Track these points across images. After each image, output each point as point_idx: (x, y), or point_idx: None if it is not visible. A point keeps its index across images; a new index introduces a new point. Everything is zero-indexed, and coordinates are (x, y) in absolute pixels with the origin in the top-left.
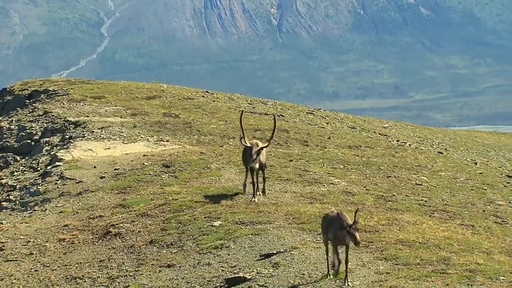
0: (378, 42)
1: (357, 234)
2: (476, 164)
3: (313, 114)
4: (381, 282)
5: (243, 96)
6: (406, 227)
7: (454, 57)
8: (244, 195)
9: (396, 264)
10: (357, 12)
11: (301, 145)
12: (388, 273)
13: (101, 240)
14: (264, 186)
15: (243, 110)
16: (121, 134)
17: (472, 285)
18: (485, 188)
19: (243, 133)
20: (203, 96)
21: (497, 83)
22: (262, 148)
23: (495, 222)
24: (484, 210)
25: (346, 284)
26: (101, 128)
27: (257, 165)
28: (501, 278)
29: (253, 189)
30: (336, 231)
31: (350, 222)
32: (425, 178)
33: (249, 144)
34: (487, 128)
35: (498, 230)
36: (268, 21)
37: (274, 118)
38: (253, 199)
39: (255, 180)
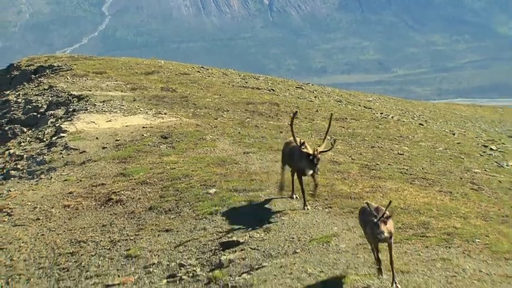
0: (363, 21)
1: (383, 227)
2: (454, 134)
3: (302, 88)
4: (365, 245)
5: (236, 71)
6: (388, 193)
7: (434, 35)
8: (300, 204)
9: None
10: None
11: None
12: (335, 233)
13: (103, 207)
14: (315, 190)
15: (296, 111)
16: (121, 107)
17: (449, 248)
18: (462, 157)
19: (294, 135)
20: (198, 71)
21: (474, 58)
22: (322, 152)
23: (471, 188)
24: (461, 178)
25: (394, 286)
26: (103, 101)
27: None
28: (477, 240)
29: (304, 197)
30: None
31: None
32: (406, 148)
33: (310, 151)
34: (465, 101)
35: (474, 196)
36: (260, 0)
37: (330, 118)
38: (305, 207)
39: (304, 187)
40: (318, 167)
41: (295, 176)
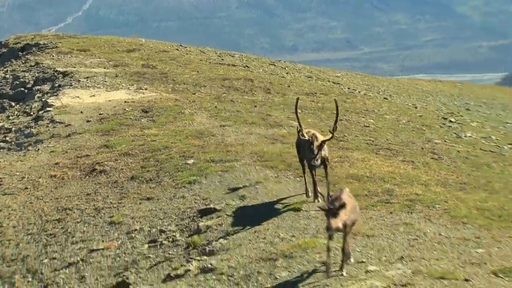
0: (332, 2)
1: (331, 219)
2: (416, 108)
3: (275, 65)
4: None
5: (213, 49)
6: (355, 163)
7: (397, 15)
8: (306, 197)
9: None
10: None
11: (264, 92)
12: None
13: (87, 177)
14: (328, 189)
15: (298, 98)
16: (104, 83)
17: (412, 213)
18: (424, 128)
19: (300, 123)
20: (177, 49)
21: (434, 37)
22: (325, 142)
23: (432, 158)
24: (422, 148)
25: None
26: (87, 77)
27: (319, 162)
28: (437, 206)
29: (314, 190)
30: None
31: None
32: (372, 121)
33: (306, 137)
34: (426, 76)
35: (435, 165)
36: None
37: (336, 104)
38: (316, 201)
39: (315, 179)
40: (318, 157)
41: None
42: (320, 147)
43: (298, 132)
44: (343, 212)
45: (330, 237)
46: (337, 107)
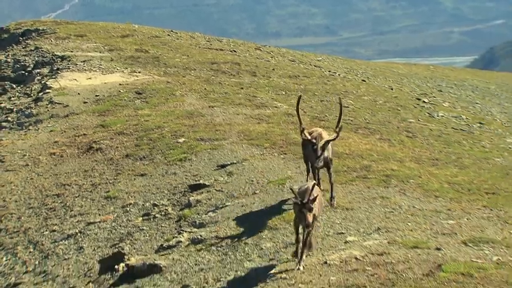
0: None
1: (308, 215)
2: (392, 89)
3: (260, 50)
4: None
5: (202, 35)
6: (335, 141)
7: (374, 2)
8: None
9: None
10: None
11: (250, 75)
12: (321, 178)
13: (85, 154)
14: (331, 191)
15: (300, 95)
16: (100, 66)
17: (388, 187)
18: (399, 109)
19: (301, 122)
20: (169, 35)
21: (409, 23)
22: (328, 142)
23: (407, 136)
24: (398, 127)
25: (297, 267)
26: (83, 61)
27: (322, 163)
28: (411, 181)
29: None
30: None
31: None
32: (351, 101)
33: (308, 137)
34: (401, 60)
35: (409, 143)
36: None
37: (340, 103)
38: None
39: (320, 180)
40: (321, 158)
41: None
42: (323, 147)
43: (301, 132)
44: (316, 206)
45: (308, 231)
46: (341, 105)
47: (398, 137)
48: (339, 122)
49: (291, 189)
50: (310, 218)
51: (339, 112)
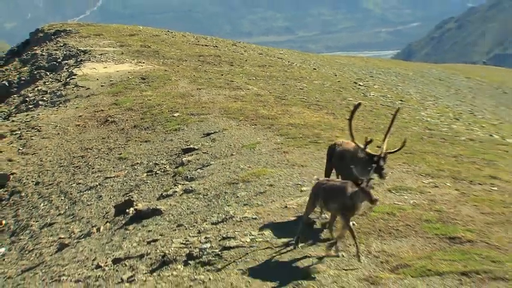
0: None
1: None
2: (336, 75)
3: (236, 45)
4: (278, 149)
5: (192, 34)
6: (293, 115)
7: (322, 8)
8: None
9: (287, 138)
10: None
11: (228, 65)
12: (282, 143)
13: (102, 125)
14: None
15: (359, 103)
16: (113, 58)
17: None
18: (341, 90)
19: (353, 134)
20: (166, 34)
21: (348, 25)
22: (390, 153)
23: (347, 111)
24: (340, 104)
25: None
26: (100, 54)
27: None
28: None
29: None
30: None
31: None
32: (305, 85)
33: (370, 151)
34: (343, 53)
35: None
36: None
37: (396, 112)
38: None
39: None
40: (385, 172)
41: None
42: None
43: (365, 145)
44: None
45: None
46: (394, 117)
47: (340, 111)
48: (388, 132)
49: (360, 188)
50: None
51: (390, 123)
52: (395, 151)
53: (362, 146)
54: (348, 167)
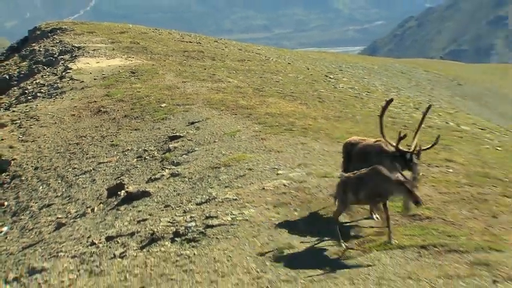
0: (262, 4)
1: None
2: (308, 69)
3: (217, 42)
4: (256, 136)
5: (177, 31)
6: (270, 105)
7: (297, 9)
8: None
9: (265, 126)
10: None
11: (211, 60)
12: (260, 131)
13: (95, 115)
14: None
15: (391, 99)
16: (105, 53)
17: (306, 136)
18: (313, 82)
19: (383, 131)
20: (153, 32)
21: (320, 23)
22: (423, 150)
23: (318, 101)
24: (312, 95)
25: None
26: (93, 50)
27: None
28: (321, 131)
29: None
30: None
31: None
32: (281, 78)
33: (402, 148)
34: (315, 49)
35: (320, 106)
36: None
37: (427, 109)
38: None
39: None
40: (419, 169)
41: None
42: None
43: (398, 142)
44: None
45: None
46: (424, 114)
47: (312, 102)
48: (419, 128)
49: (406, 187)
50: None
51: (421, 119)
52: (429, 148)
53: (394, 143)
54: (373, 164)
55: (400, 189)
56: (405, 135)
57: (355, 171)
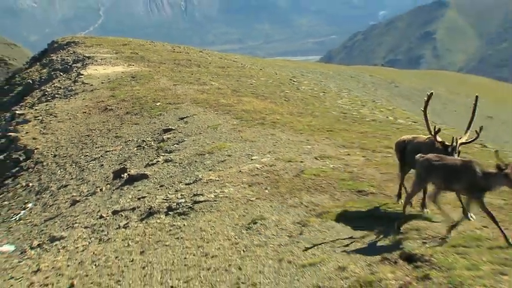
0: (231, 18)
1: None
2: (276, 74)
3: (202, 52)
4: (234, 128)
5: (169, 43)
6: (245, 103)
7: (266, 25)
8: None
9: (241, 121)
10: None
11: (197, 67)
12: (237, 124)
13: (103, 112)
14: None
15: (432, 93)
16: (110, 62)
17: (274, 128)
18: (280, 85)
19: (429, 125)
20: (150, 44)
21: (283, 37)
22: (462, 144)
23: (285, 100)
24: (280, 95)
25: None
26: (101, 59)
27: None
28: (287, 124)
29: (423, 201)
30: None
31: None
32: (254, 81)
33: (444, 141)
34: (281, 58)
35: (286, 104)
36: (179, 7)
37: (476, 101)
38: (399, 202)
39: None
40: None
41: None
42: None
43: (435, 134)
44: None
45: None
46: (475, 106)
47: (280, 100)
48: (471, 121)
49: (505, 173)
50: None
51: (472, 113)
52: (470, 142)
53: (435, 135)
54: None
55: (499, 179)
56: (439, 129)
57: (440, 156)
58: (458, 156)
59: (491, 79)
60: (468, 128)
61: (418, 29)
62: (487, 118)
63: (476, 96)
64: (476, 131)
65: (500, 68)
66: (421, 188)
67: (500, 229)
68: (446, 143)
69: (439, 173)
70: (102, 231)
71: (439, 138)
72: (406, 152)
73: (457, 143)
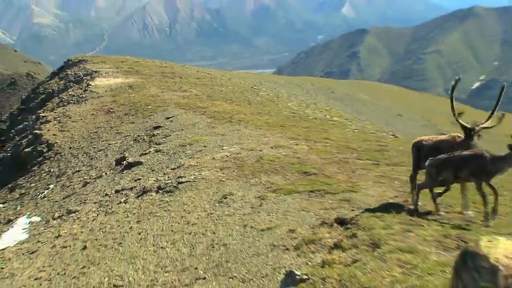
0: (208, 41)
1: None
2: (241, 83)
3: (183, 67)
4: (209, 125)
5: (158, 61)
6: (218, 105)
7: (234, 45)
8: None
9: (214, 119)
10: (209, 23)
11: (179, 78)
12: (211, 122)
13: (106, 114)
14: (496, 204)
15: (459, 77)
16: (112, 75)
17: (239, 125)
18: (244, 92)
19: (454, 108)
20: (143, 61)
21: (247, 55)
22: (484, 128)
23: (247, 103)
24: (243, 99)
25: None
26: (105, 73)
27: None
28: (250, 121)
29: (465, 202)
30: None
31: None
32: (223, 89)
33: (466, 124)
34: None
35: (249, 106)
36: (165, 33)
37: (502, 89)
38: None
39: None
40: (474, 144)
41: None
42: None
43: (457, 119)
44: None
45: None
46: (500, 95)
47: (244, 103)
48: (495, 107)
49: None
50: None
51: (497, 101)
52: (491, 127)
53: (457, 118)
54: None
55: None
56: (462, 112)
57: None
58: (478, 139)
59: (400, 87)
60: (492, 114)
61: (347, 50)
62: (397, 116)
63: (503, 86)
64: (499, 117)
65: (406, 79)
66: (433, 185)
67: (486, 213)
68: (469, 126)
69: (449, 166)
70: (107, 205)
71: (461, 121)
72: (423, 151)
73: (478, 127)
